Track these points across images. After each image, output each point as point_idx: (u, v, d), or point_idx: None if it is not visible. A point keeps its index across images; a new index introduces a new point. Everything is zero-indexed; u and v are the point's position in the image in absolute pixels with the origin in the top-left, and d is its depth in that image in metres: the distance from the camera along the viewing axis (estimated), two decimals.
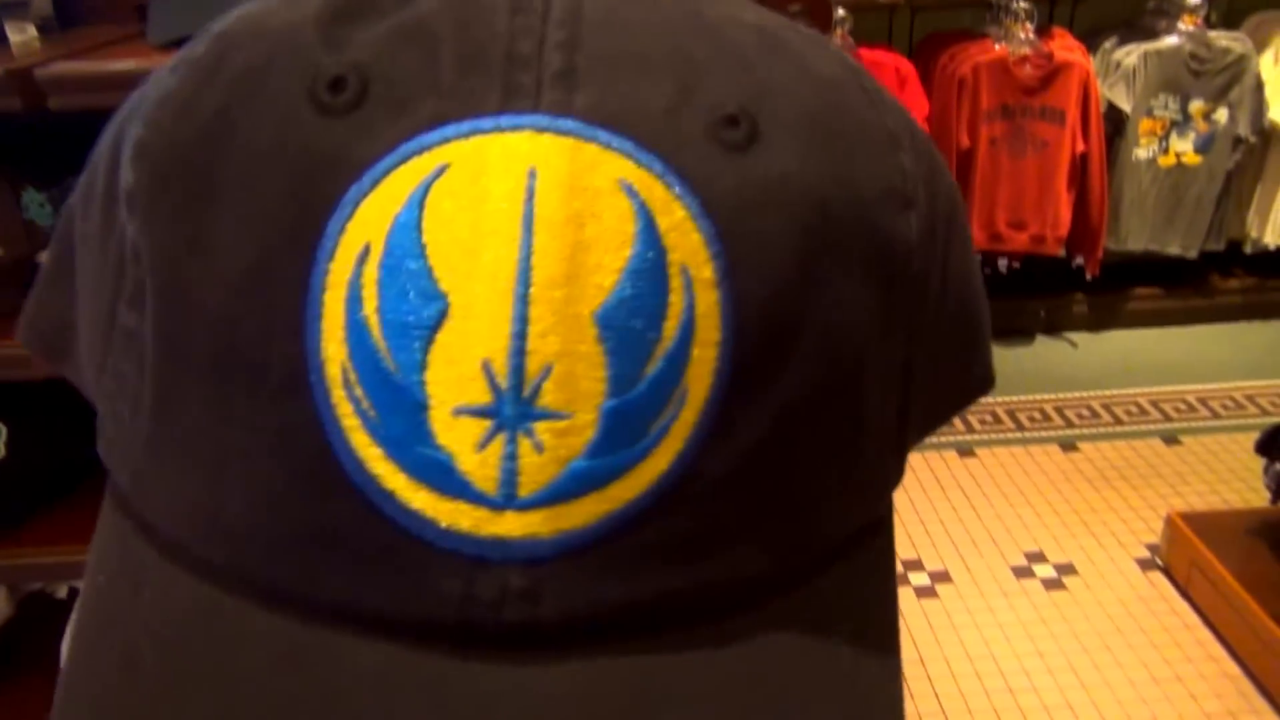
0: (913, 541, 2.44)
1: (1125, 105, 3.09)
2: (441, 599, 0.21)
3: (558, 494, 0.21)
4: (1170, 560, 2.28)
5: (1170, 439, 2.83)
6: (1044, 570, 2.33)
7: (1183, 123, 3.09)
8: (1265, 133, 3.11)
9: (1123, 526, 2.46)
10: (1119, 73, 3.07)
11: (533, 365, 0.20)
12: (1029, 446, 2.82)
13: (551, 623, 0.21)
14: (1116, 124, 3.13)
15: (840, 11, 2.93)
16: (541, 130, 0.21)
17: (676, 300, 0.21)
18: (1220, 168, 3.16)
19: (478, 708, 0.21)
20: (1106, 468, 2.71)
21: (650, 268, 0.20)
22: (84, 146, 1.06)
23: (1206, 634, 2.10)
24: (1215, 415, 2.95)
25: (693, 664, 0.22)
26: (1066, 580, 2.29)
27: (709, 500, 0.22)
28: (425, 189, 0.20)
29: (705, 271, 0.21)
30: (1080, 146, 3.05)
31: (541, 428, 0.20)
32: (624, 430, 0.21)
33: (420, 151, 0.21)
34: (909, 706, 1.96)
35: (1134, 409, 2.99)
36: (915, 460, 2.77)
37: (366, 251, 0.20)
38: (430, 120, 0.21)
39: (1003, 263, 3.26)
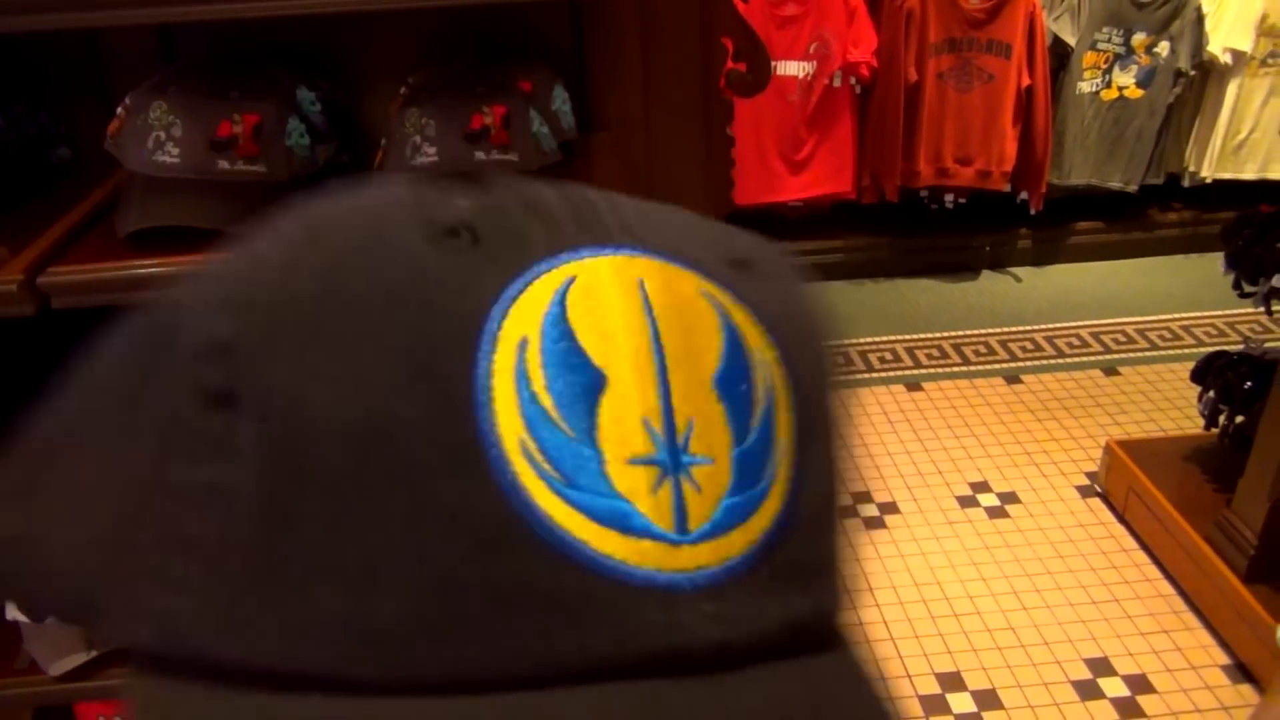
0: (862, 474, 2.48)
1: (1070, 38, 3.10)
2: (650, 629, 0.25)
3: (717, 527, 0.25)
4: (1109, 486, 2.35)
5: (1110, 370, 2.90)
6: (988, 499, 2.39)
7: (1125, 56, 3.12)
8: (1204, 66, 3.15)
9: (1064, 455, 2.53)
10: (1064, 5, 3.08)
11: (680, 421, 0.25)
12: (974, 380, 2.87)
13: (739, 641, 0.26)
14: (1060, 58, 3.15)
15: None
16: (636, 255, 0.27)
17: (759, 374, 0.27)
18: (1161, 101, 3.19)
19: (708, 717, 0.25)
20: (1049, 399, 2.77)
21: (737, 348, 0.27)
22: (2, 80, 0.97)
23: (1142, 556, 2.18)
24: (1153, 346, 3.02)
25: (839, 676, 0.28)
26: (1009, 508, 2.35)
27: (810, 533, 0.28)
28: (563, 292, 0.26)
29: (769, 355, 0.28)
30: (1026, 80, 3.06)
31: (696, 471, 0.25)
32: (750, 472, 0.26)
33: (549, 270, 0.27)
34: (858, 634, 2.01)
35: (1075, 341, 3.06)
36: (863, 395, 2.81)
37: (525, 343, 0.25)
38: (546, 251, 0.27)
39: (949, 198, 3.29)
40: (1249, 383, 2.01)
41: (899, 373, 2.92)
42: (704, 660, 0.25)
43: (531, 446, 0.24)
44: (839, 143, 3.17)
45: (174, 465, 0.26)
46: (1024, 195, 3.27)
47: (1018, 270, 3.47)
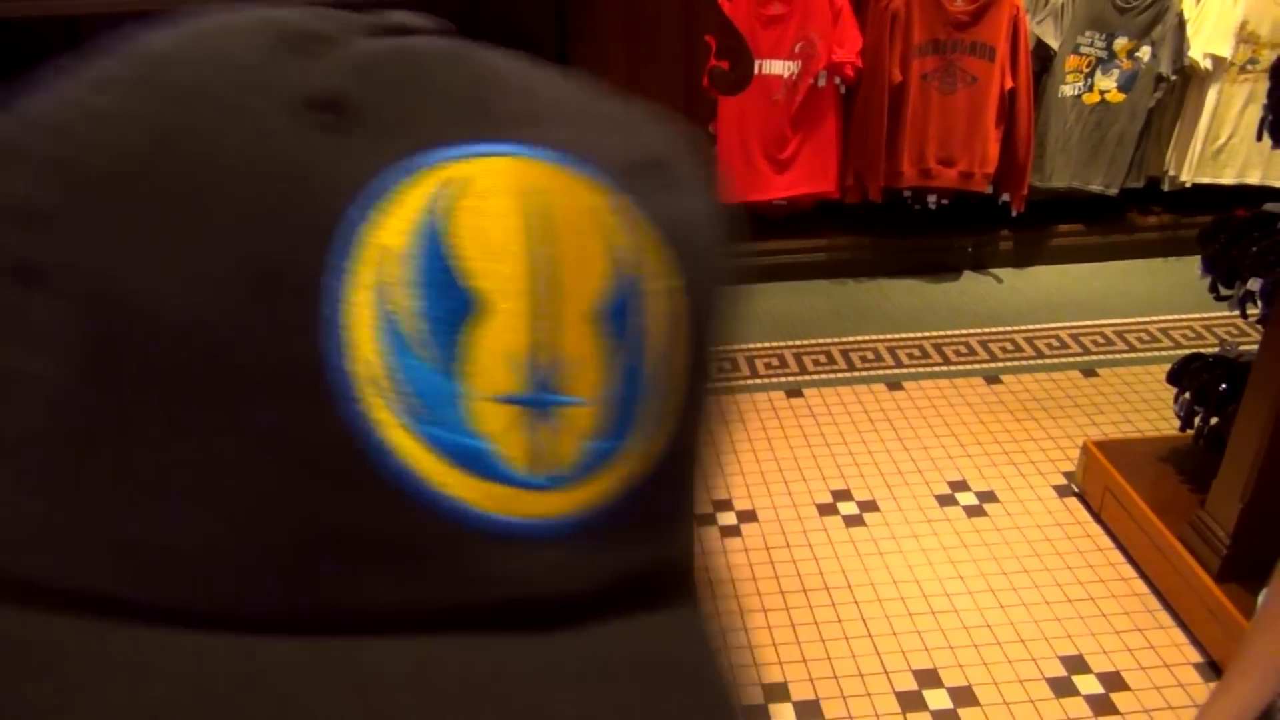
0: (842, 473, 2.50)
1: (1053, 42, 3.12)
2: (487, 577, 0.23)
3: (576, 473, 0.23)
4: (1085, 486, 2.37)
5: (1089, 371, 2.92)
6: (966, 498, 2.40)
7: (1107, 60, 3.14)
8: (1185, 71, 3.18)
9: (1041, 455, 2.55)
10: (1048, 9, 3.10)
11: (551, 357, 0.23)
12: (955, 380, 2.89)
13: (580, 594, 0.24)
14: (1043, 61, 3.17)
15: None
16: (529, 156, 0.24)
17: (648, 307, 0.24)
18: (1142, 106, 3.22)
19: (534, 677, 0.23)
20: (1028, 399, 2.79)
21: (628, 277, 0.24)
22: None
23: (1118, 555, 2.20)
24: (1131, 348, 3.05)
25: (678, 633, 0.26)
26: (987, 507, 2.37)
27: (673, 484, 0.26)
28: (441, 198, 0.23)
29: (669, 283, 0.25)
30: (1009, 83, 3.08)
31: (561, 413, 0.23)
32: (622, 417, 0.24)
33: (426, 166, 0.23)
34: (837, 630, 2.02)
35: (1055, 343, 3.08)
36: (845, 394, 2.82)
37: (390, 253, 0.22)
38: (427, 142, 0.23)
39: (932, 199, 3.31)
40: (1224, 385, 2.03)
41: (880, 372, 2.93)
42: (542, 614, 0.23)
43: (384, 373, 0.22)
44: (823, 142, 3.18)
45: None
46: (1006, 197, 3.30)
47: (999, 271, 3.49)
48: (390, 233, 0.22)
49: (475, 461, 0.22)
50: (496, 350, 0.22)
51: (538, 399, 0.23)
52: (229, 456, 0.22)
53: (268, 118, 0.23)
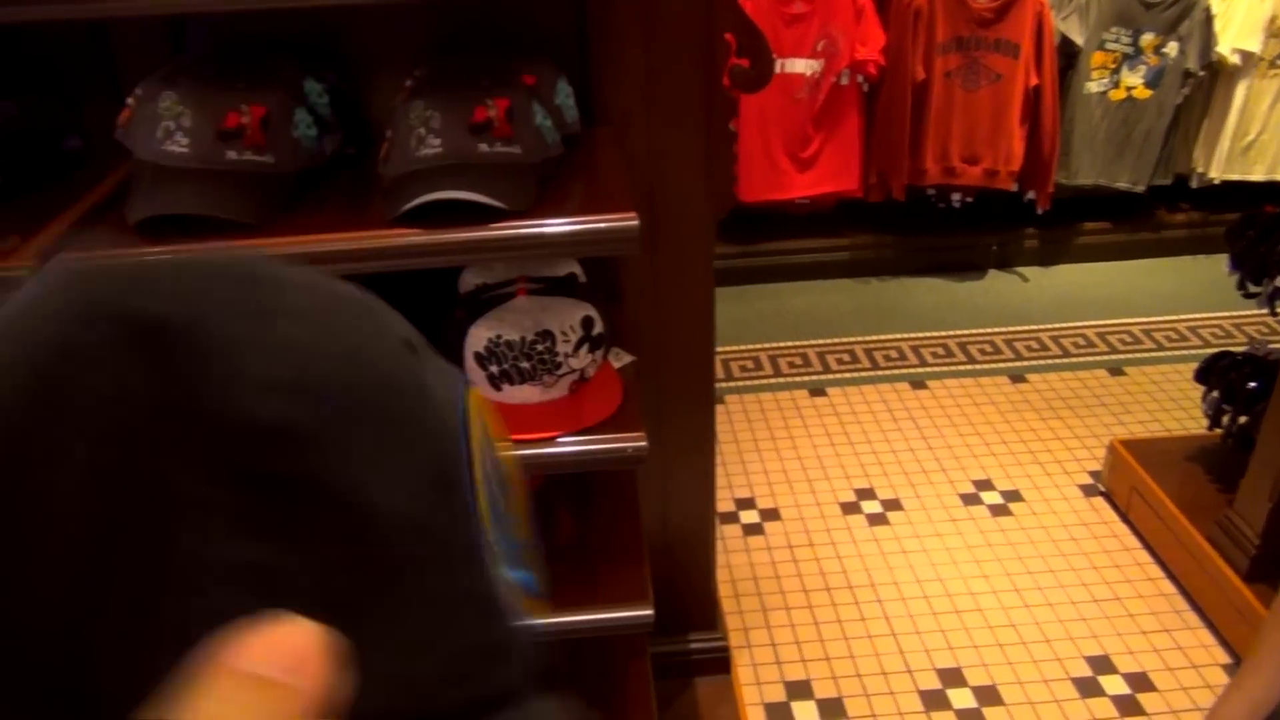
0: (865, 471, 2.49)
1: (1078, 38, 3.09)
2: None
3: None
4: (1112, 486, 2.35)
5: (1115, 370, 2.89)
6: (991, 497, 2.39)
7: (1134, 56, 3.11)
8: (1212, 66, 3.14)
9: (1067, 454, 2.53)
10: (1073, 5, 3.07)
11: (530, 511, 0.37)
12: (979, 379, 2.87)
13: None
14: (1069, 58, 3.14)
15: None
16: None
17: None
18: (1169, 102, 3.19)
19: None
20: (1054, 398, 2.77)
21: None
22: (13, 70, 0.98)
23: (1145, 555, 2.18)
24: (1159, 347, 3.02)
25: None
26: (1012, 506, 2.35)
27: None
28: (476, 408, 0.33)
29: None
30: (1033, 80, 3.06)
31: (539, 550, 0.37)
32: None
33: (466, 384, 0.34)
34: (860, 628, 2.01)
35: (1081, 341, 3.05)
36: (868, 393, 2.81)
37: (477, 453, 0.32)
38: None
39: (956, 197, 3.29)
40: (1252, 383, 2.01)
41: (904, 370, 2.92)
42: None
43: (495, 539, 0.31)
44: (846, 140, 3.17)
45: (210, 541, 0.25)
46: (1031, 195, 3.27)
47: (1024, 270, 3.47)
48: (474, 439, 0.31)
49: (530, 588, 0.32)
50: (520, 510, 0.32)
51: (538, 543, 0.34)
52: (443, 609, 0.29)
53: (404, 363, 0.30)
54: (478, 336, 1.15)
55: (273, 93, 1.05)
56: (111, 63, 1.26)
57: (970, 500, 2.38)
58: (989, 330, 3.11)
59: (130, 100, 1.05)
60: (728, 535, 2.28)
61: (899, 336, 3.09)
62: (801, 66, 3.05)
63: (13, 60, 1.20)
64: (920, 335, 3.09)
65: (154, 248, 1.00)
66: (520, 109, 1.06)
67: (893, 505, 2.38)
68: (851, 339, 3.09)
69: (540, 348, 1.15)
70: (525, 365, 1.16)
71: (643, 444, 1.14)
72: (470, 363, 1.16)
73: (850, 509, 2.37)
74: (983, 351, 3.01)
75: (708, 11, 1.27)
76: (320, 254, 1.02)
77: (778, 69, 3.02)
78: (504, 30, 1.23)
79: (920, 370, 2.92)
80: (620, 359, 1.29)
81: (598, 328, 1.19)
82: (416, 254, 1.03)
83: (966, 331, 3.11)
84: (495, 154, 1.04)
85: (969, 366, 2.94)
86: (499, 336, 1.14)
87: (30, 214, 1.08)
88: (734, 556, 2.22)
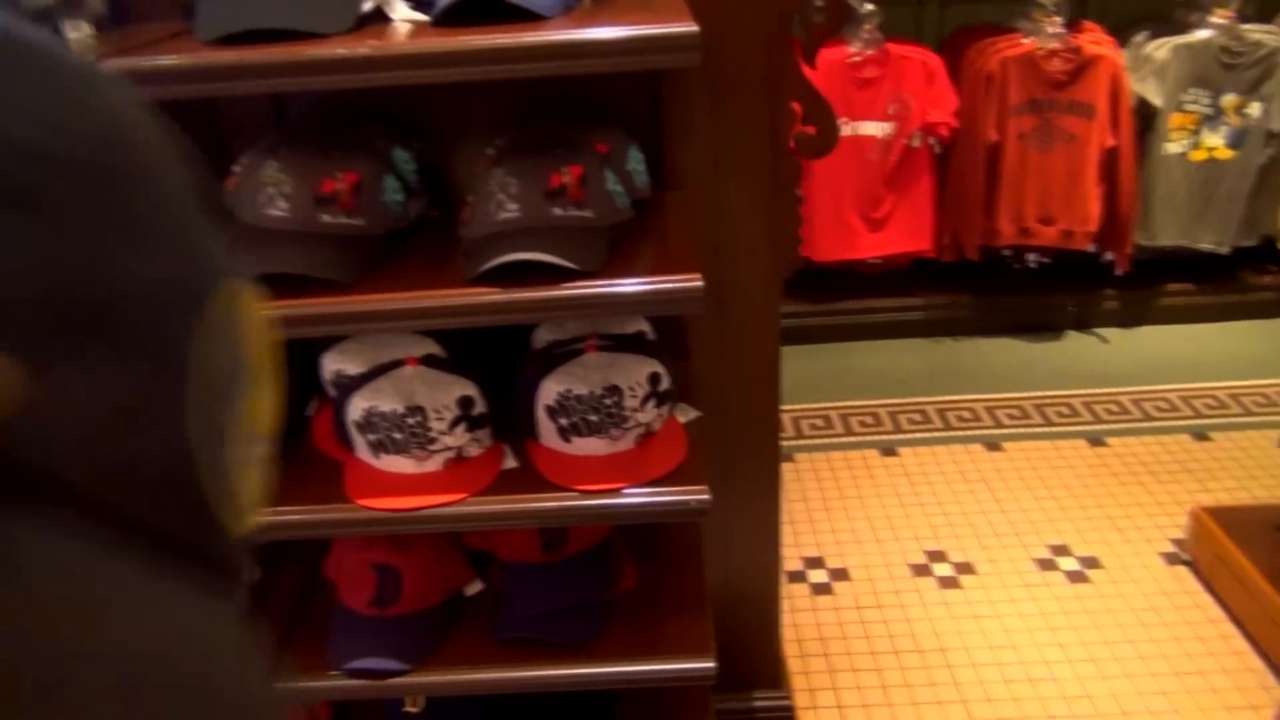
0: (936, 533, 2.46)
1: (1156, 100, 3.07)
2: None
3: None
4: (1195, 554, 2.28)
5: (1200, 435, 2.81)
6: (1068, 563, 2.33)
7: (1214, 117, 3.07)
8: None
9: (1148, 521, 2.46)
10: (1150, 67, 3.06)
11: None
12: (1056, 441, 2.82)
13: None
14: (1147, 118, 3.12)
15: (869, 6, 2.95)
16: None
17: None
18: (1252, 162, 3.13)
19: None
20: (1134, 463, 2.70)
21: None
22: None
23: (1230, 628, 2.10)
24: (1246, 412, 2.93)
25: None
26: (1090, 573, 2.30)
27: None
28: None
29: None
30: (1110, 141, 3.04)
31: None
32: None
33: None
34: (929, 694, 1.98)
35: (1164, 405, 2.98)
36: (940, 453, 2.78)
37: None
38: None
39: (1032, 258, 3.26)
40: None
41: (978, 432, 2.89)
42: None
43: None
44: (918, 201, 3.19)
45: None
46: (1110, 255, 3.23)
47: (1104, 331, 3.40)
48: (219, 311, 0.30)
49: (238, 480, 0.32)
50: (255, 418, 0.33)
51: None
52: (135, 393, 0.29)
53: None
54: (548, 390, 1.20)
55: (365, 161, 1.13)
56: (220, 134, 1.37)
57: (1046, 566, 2.33)
58: (1067, 393, 3.06)
59: (236, 168, 1.14)
60: (796, 594, 2.27)
61: (973, 397, 3.06)
62: (873, 129, 3.09)
63: None
64: (995, 396, 3.06)
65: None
66: (593, 175, 1.12)
67: (965, 569, 2.34)
68: (924, 399, 3.07)
69: (608, 402, 1.20)
70: (593, 419, 1.20)
71: (706, 498, 1.17)
72: (541, 415, 1.21)
73: (921, 571, 2.34)
74: (1060, 414, 2.95)
75: (774, 82, 1.33)
76: (405, 310, 1.08)
77: (849, 131, 3.07)
78: (580, 101, 1.30)
79: (995, 432, 2.88)
80: (686, 414, 1.32)
81: (664, 384, 1.23)
82: (493, 311, 1.08)
83: (1043, 393, 3.06)
84: (569, 218, 1.10)
85: (1046, 429, 2.89)
86: (569, 391, 1.19)
87: None
88: (801, 616, 2.21)
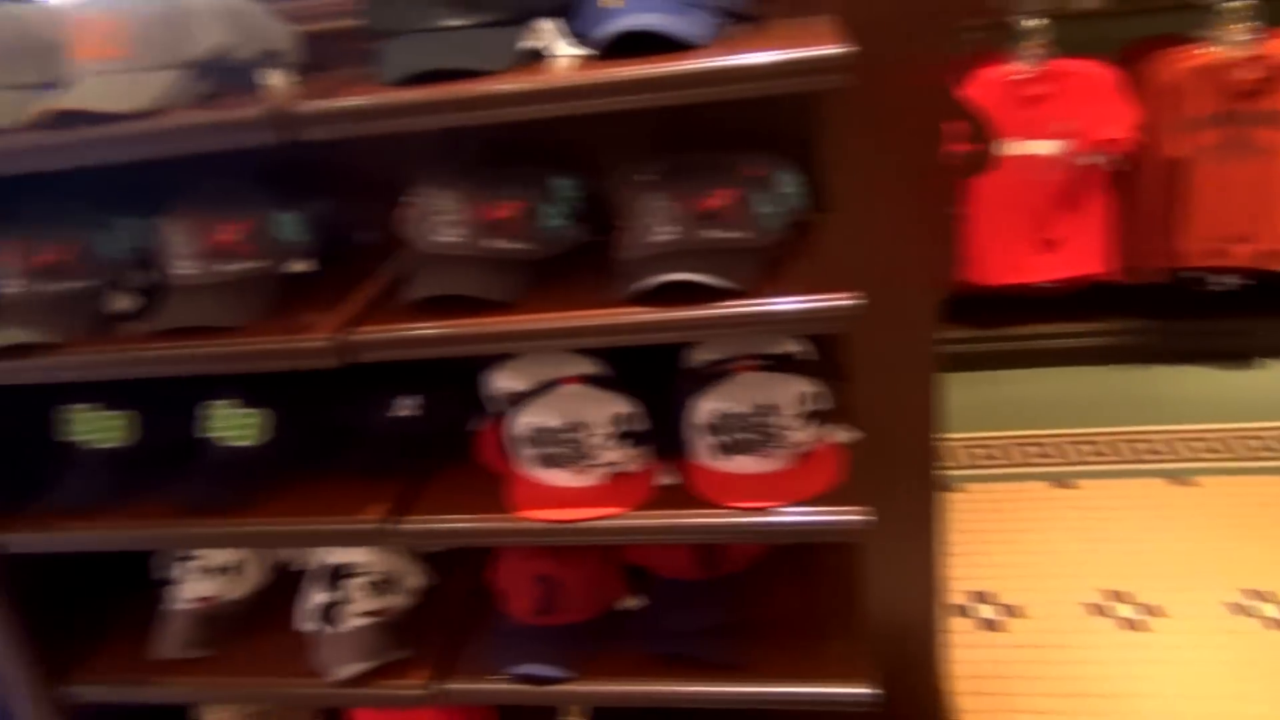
0: (1116, 572, 2.32)
1: None
2: None
3: None
4: None
5: None
6: (1266, 609, 2.15)
7: None
8: None
9: None
10: None
11: None
12: (1251, 477, 2.61)
13: None
14: None
15: (1035, 21, 2.85)
16: None
17: None
18: None
19: None
20: None
21: None
22: (323, 174, 1.23)
23: None
24: None
25: None
26: None
27: None
28: None
29: None
30: None
31: None
32: None
33: None
34: None
35: None
36: (1118, 487, 2.63)
37: None
38: None
39: (1224, 280, 3.04)
40: None
41: (1160, 465, 2.71)
42: None
43: None
44: (1092, 222, 3.04)
45: None
46: None
47: None
48: None
49: None
50: None
51: None
52: None
53: None
54: (704, 408, 1.23)
55: (528, 189, 1.20)
56: (398, 167, 1.47)
57: (1239, 611, 2.16)
58: (1262, 425, 2.83)
59: (413, 199, 1.23)
60: (961, 629, 2.18)
61: (1155, 429, 2.87)
62: (1042, 147, 2.98)
63: (319, 166, 1.44)
64: (1180, 428, 2.86)
65: (429, 323, 1.16)
66: (746, 198, 1.14)
67: (1148, 611, 2.19)
68: (1100, 429, 2.90)
69: (763, 421, 1.21)
70: (749, 437, 1.22)
71: (862, 517, 1.16)
72: (697, 433, 1.24)
73: (1098, 611, 2.21)
74: (1254, 449, 2.73)
75: (933, 101, 1.31)
76: (565, 329, 1.14)
77: (1016, 150, 2.97)
78: (736, 125, 1.33)
79: (1180, 465, 2.69)
80: (842, 435, 1.32)
81: (819, 403, 1.23)
82: (648, 330, 1.12)
83: (1236, 426, 2.84)
84: (722, 239, 1.13)
85: (1239, 464, 2.68)
86: (723, 409, 1.21)
87: (330, 295, 1.29)
88: (968, 652, 2.12)
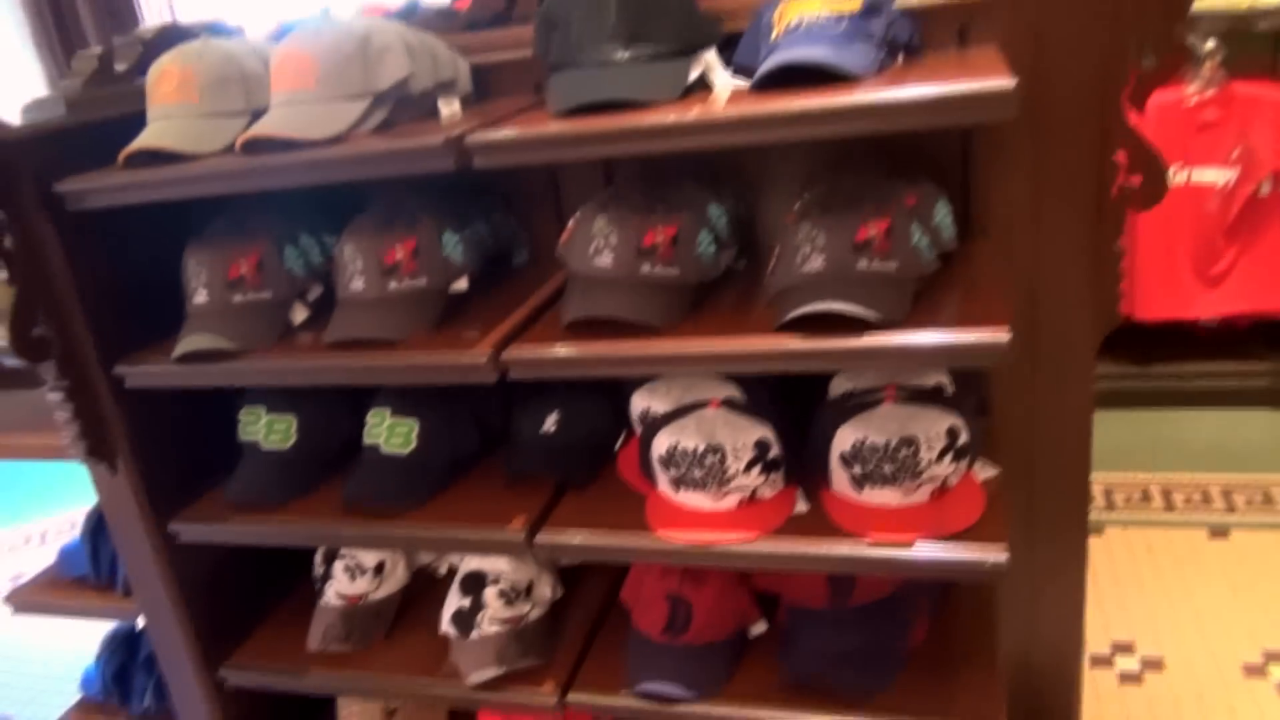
0: (1275, 630, 2.16)
1: None
2: None
3: None
4: None
5: None
6: None
7: None
8: None
9: None
10: None
11: None
12: None
13: None
14: None
15: (1211, 43, 2.71)
16: None
17: None
18: None
19: None
20: None
21: None
22: (484, 198, 1.29)
23: None
24: None
25: None
26: None
27: None
28: None
29: None
30: None
31: None
32: None
33: None
34: None
35: None
36: (1258, 539, 2.45)
37: None
38: None
39: None
40: None
41: None
42: None
43: None
44: (1265, 256, 2.85)
45: None
46: None
47: None
48: None
49: None
50: None
51: None
52: None
53: None
54: (844, 438, 1.22)
55: (682, 215, 1.22)
56: (558, 192, 1.53)
57: None
58: None
59: (571, 222, 1.27)
60: (1100, 680, 2.09)
61: None
62: (1213, 176, 2.82)
63: (485, 189, 1.51)
64: None
65: (579, 344, 1.20)
66: (899, 228, 1.14)
67: (1257, 672, 2.04)
68: (1265, 476, 2.72)
69: (903, 453, 1.20)
70: (887, 469, 1.21)
71: (1001, 558, 1.13)
72: (835, 462, 1.24)
73: (1255, 672, 2.07)
74: None
75: (1100, 131, 1.28)
76: (712, 355, 1.16)
77: (1185, 179, 2.82)
78: (890, 153, 1.33)
79: None
80: (985, 471, 1.29)
81: (963, 438, 1.21)
82: (794, 359, 1.13)
83: None
84: (872, 270, 1.12)
85: None
86: (864, 439, 1.20)
87: (487, 314, 1.35)
88: (1107, 705, 2.03)
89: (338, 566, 1.63)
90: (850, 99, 1.00)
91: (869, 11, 1.15)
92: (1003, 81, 0.96)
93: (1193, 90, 2.76)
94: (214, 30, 1.50)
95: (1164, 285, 2.93)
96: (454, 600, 1.53)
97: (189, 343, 1.35)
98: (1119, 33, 1.21)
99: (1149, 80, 1.27)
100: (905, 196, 1.20)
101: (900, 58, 1.19)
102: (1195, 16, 2.66)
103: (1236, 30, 2.71)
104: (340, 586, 1.63)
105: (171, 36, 1.49)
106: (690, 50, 1.16)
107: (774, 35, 1.16)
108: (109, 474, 1.51)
